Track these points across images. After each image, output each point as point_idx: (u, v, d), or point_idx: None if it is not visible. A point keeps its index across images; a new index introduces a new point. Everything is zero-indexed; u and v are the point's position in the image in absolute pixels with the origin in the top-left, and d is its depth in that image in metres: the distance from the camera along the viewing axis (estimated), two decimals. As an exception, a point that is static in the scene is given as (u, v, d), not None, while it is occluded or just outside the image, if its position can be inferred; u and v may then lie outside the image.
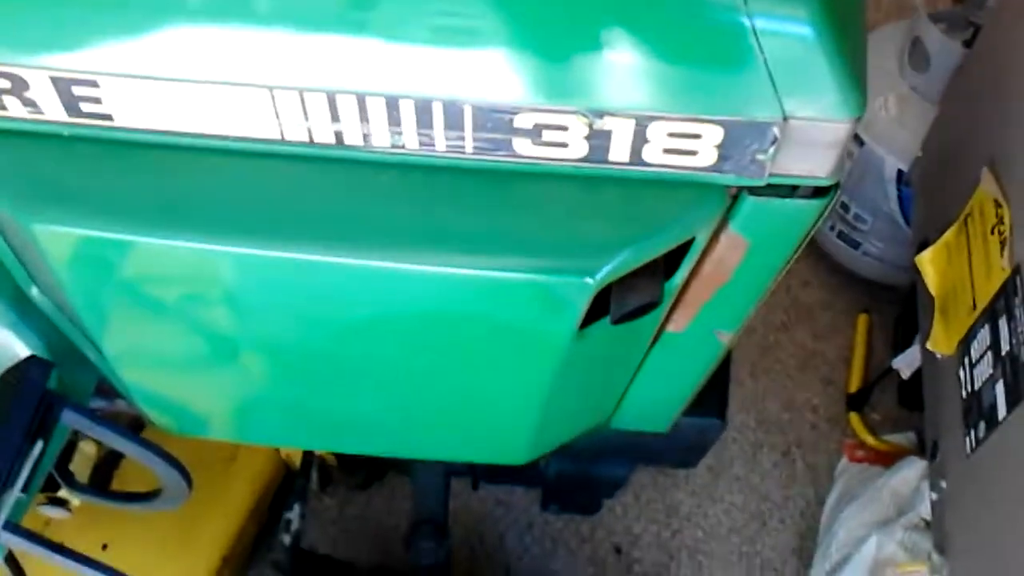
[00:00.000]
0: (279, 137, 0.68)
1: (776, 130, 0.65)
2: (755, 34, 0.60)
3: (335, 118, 0.66)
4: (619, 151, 0.67)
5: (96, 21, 0.62)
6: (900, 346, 1.74)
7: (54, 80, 0.64)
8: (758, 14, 0.60)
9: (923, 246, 1.38)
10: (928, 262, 1.35)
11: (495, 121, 0.66)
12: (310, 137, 0.68)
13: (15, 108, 0.66)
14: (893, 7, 2.44)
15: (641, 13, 0.62)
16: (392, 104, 0.65)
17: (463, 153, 0.68)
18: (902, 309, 1.85)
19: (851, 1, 0.66)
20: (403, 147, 0.68)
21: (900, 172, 1.75)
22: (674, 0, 0.61)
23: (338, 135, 0.67)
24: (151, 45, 0.62)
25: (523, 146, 0.67)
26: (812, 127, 0.65)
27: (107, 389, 0.98)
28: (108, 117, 0.67)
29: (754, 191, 0.71)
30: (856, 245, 1.91)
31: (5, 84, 0.64)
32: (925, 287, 1.39)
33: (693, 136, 0.66)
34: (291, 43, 0.62)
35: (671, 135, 0.66)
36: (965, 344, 1.24)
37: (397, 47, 0.64)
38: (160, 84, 0.64)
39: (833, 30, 0.62)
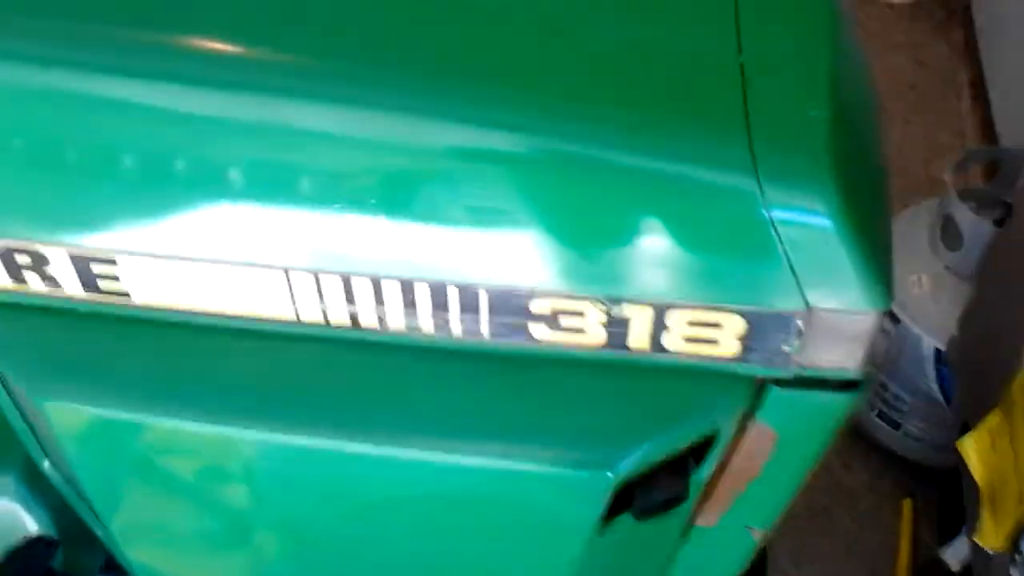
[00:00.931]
0: (295, 319, 0.67)
1: (800, 322, 0.63)
2: (774, 226, 0.59)
3: (350, 300, 0.65)
4: (638, 338, 0.65)
5: (115, 202, 0.62)
6: (946, 532, 1.65)
7: (73, 257, 0.64)
8: (776, 206, 0.59)
9: (964, 429, 1.32)
10: (970, 448, 1.29)
11: (511, 306, 0.64)
12: (325, 319, 0.67)
13: (35, 283, 0.66)
14: (924, 182, 2.45)
15: (659, 203, 0.61)
16: (407, 287, 0.64)
17: (479, 337, 0.66)
18: (946, 492, 1.77)
19: (874, 187, 0.66)
20: (419, 330, 0.66)
21: (938, 351, 1.70)
22: (692, 191, 0.60)
23: (353, 317, 0.66)
24: (169, 226, 0.62)
25: (540, 331, 0.66)
26: (837, 319, 0.63)
27: (114, 565, 0.95)
28: (125, 295, 0.66)
29: (781, 382, 0.68)
30: (897, 425, 1.86)
31: (26, 260, 0.64)
32: (969, 473, 1.32)
33: (714, 325, 0.64)
34: (306, 225, 0.62)
35: (691, 324, 0.64)
36: (1015, 538, 1.16)
37: (413, 229, 0.63)
38: (177, 263, 0.64)
39: (854, 221, 0.60)
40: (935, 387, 1.77)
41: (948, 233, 1.73)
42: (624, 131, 0.61)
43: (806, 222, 0.60)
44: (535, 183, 0.61)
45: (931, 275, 1.79)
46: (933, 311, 1.76)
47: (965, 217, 1.66)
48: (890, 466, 2.10)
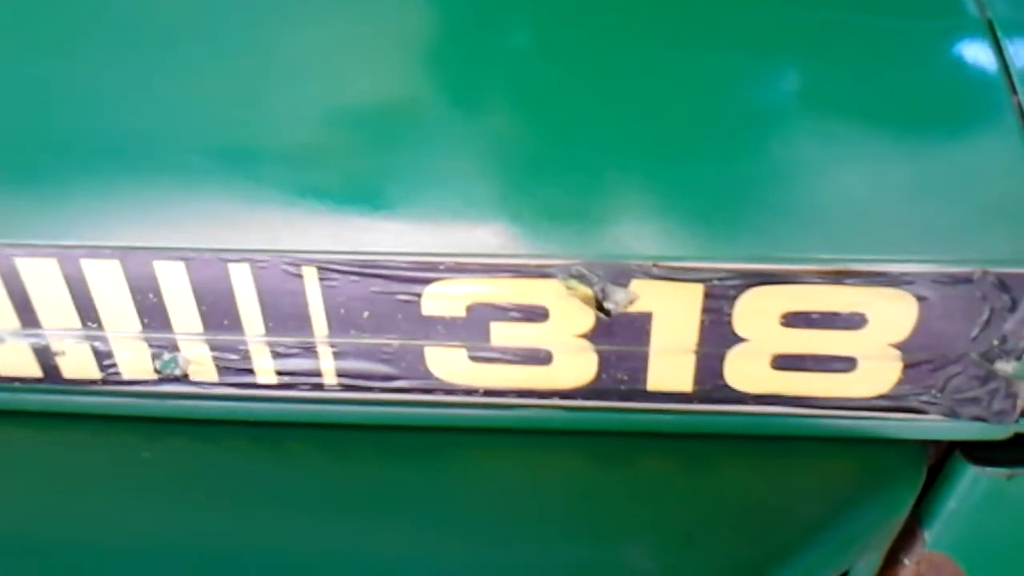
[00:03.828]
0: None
1: None
2: (1002, 55, 0.30)
3: (23, 311, 0.34)
4: (671, 367, 0.34)
5: None
6: None
7: None
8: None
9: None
10: None
11: (378, 305, 0.33)
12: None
13: None
14: None
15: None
16: (139, 273, 0.33)
17: (320, 391, 0.36)
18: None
19: None
20: (184, 378, 0.36)
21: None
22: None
23: (42, 354, 0.35)
24: None
25: (449, 363, 0.34)
26: None
27: None
28: None
29: (982, 453, 0.37)
30: None
31: None
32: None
33: (844, 320, 0.32)
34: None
35: (791, 320, 0.32)
36: None
37: None
38: None
39: None
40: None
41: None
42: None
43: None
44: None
45: None
46: None
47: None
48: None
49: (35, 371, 0.36)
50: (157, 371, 0.35)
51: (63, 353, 0.35)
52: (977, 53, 0.29)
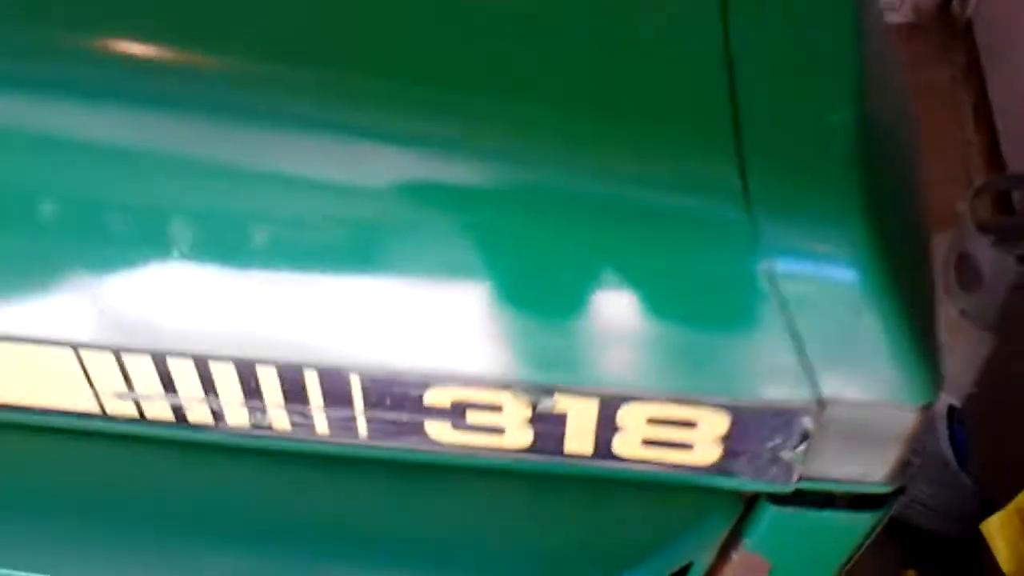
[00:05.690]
0: (98, 410, 0.47)
1: (808, 421, 0.47)
2: (772, 282, 0.43)
3: (168, 387, 0.46)
4: (578, 441, 0.50)
5: None
6: (955, 614, 1.46)
7: None
8: (775, 252, 0.42)
9: (988, 507, 1.13)
10: (996, 531, 1.10)
11: (396, 397, 0.50)
12: (140, 412, 0.49)
13: None
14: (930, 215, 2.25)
15: (605, 246, 0.44)
16: (246, 371, 0.49)
17: (356, 438, 0.52)
18: (956, 566, 1.56)
19: (914, 230, 0.50)
20: (269, 428, 0.47)
21: (952, 408, 1.50)
22: (650, 230, 0.41)
23: (177, 410, 0.47)
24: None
25: (440, 431, 0.51)
26: (861, 416, 0.47)
27: None
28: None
29: (778, 499, 0.53)
30: (901, 489, 1.64)
31: None
32: (992, 556, 1.13)
33: (685, 424, 0.49)
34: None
35: (653, 422, 0.49)
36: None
37: (253, 285, 0.47)
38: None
39: (889, 275, 0.43)
40: (947, 449, 1.56)
41: (964, 272, 1.52)
42: (557, 145, 0.44)
43: (821, 276, 0.43)
44: (422, 219, 0.44)
45: (945, 322, 1.58)
46: (947, 363, 1.55)
47: (985, 253, 1.45)
48: (891, 534, 1.89)
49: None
50: (255, 425, 0.53)
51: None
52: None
